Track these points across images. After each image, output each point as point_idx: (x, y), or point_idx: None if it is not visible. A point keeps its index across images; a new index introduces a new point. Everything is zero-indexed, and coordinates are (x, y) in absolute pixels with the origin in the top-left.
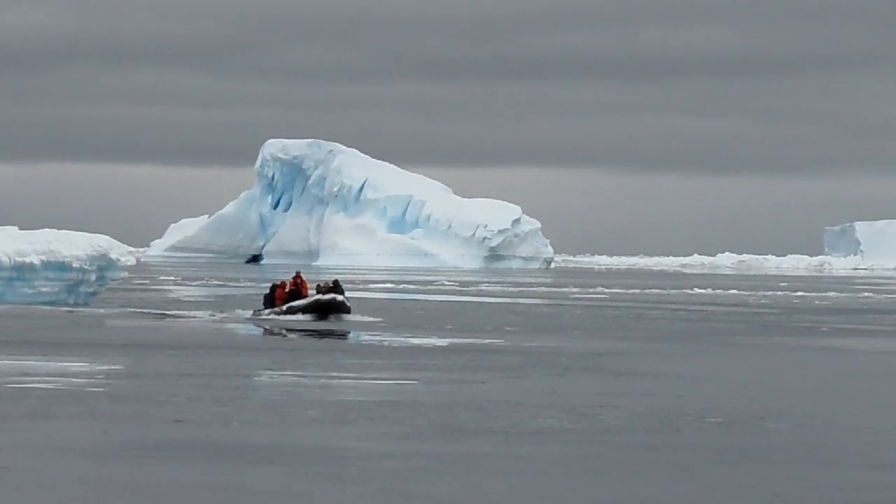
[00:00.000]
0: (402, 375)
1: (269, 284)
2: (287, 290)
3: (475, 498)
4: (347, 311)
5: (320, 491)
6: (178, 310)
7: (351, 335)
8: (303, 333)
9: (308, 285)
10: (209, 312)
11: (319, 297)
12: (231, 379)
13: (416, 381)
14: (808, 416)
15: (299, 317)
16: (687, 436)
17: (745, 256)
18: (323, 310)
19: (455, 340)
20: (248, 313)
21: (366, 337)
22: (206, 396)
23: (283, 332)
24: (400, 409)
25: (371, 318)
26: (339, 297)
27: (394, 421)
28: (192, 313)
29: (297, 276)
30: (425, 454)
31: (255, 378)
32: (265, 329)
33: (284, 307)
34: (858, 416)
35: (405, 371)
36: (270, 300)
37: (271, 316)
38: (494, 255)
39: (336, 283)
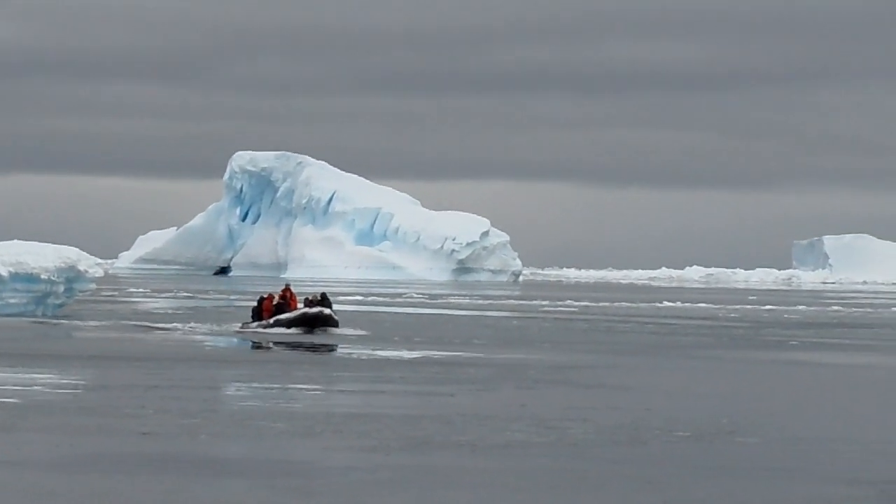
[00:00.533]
0: (370, 388)
1: (258, 297)
2: (275, 302)
3: None
4: (335, 324)
5: (287, 503)
6: (168, 322)
7: (323, 348)
8: (283, 346)
9: (298, 298)
10: (200, 325)
11: (306, 310)
12: (199, 391)
13: (384, 394)
14: (777, 430)
15: (286, 330)
16: (655, 449)
17: (713, 270)
18: (310, 323)
19: (424, 353)
20: (237, 326)
21: (336, 349)
22: (174, 409)
23: (262, 344)
24: (367, 422)
25: (359, 332)
26: (326, 311)
27: (361, 434)
28: (183, 325)
29: (287, 288)
30: (391, 467)
31: (224, 390)
32: (252, 342)
33: (272, 320)
34: (827, 429)
35: (374, 383)
36: (258, 313)
37: (258, 329)
38: (463, 267)
39: (324, 296)
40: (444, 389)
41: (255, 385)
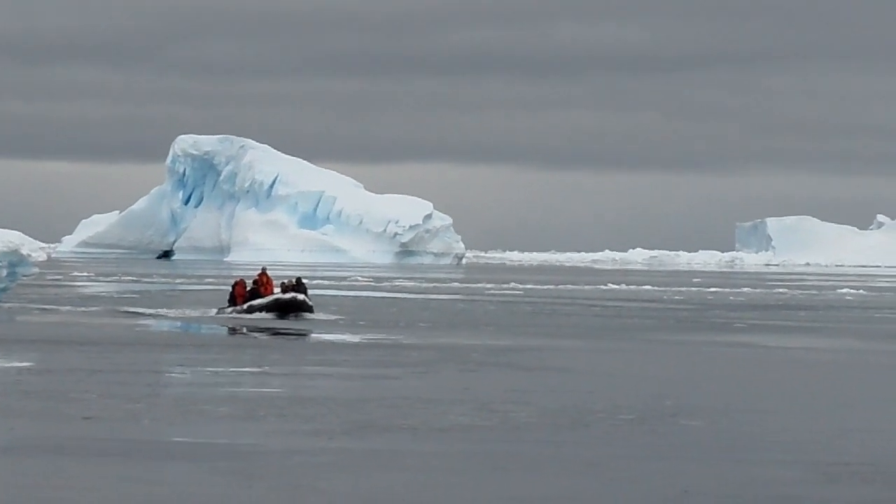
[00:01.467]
0: (314, 371)
1: (232, 281)
2: (248, 288)
3: (379, 494)
4: (309, 309)
5: (228, 487)
6: (147, 308)
7: (265, 332)
8: (233, 330)
9: (274, 283)
10: (179, 311)
11: (280, 296)
12: (143, 375)
13: (328, 377)
14: (720, 412)
15: (260, 315)
16: (597, 432)
17: (656, 252)
18: (283, 308)
19: (368, 336)
20: (213, 311)
21: (279, 333)
22: (118, 393)
23: (203, 328)
24: (311, 406)
25: (333, 317)
26: (300, 297)
27: (304, 417)
28: (165, 311)
29: (263, 273)
30: (333, 451)
31: (168, 374)
32: (228, 328)
33: (245, 306)
34: (770, 411)
35: (318, 367)
36: (232, 298)
37: (233, 315)
38: (406, 250)
39: (299, 281)
40: (388, 373)
41: (199, 369)
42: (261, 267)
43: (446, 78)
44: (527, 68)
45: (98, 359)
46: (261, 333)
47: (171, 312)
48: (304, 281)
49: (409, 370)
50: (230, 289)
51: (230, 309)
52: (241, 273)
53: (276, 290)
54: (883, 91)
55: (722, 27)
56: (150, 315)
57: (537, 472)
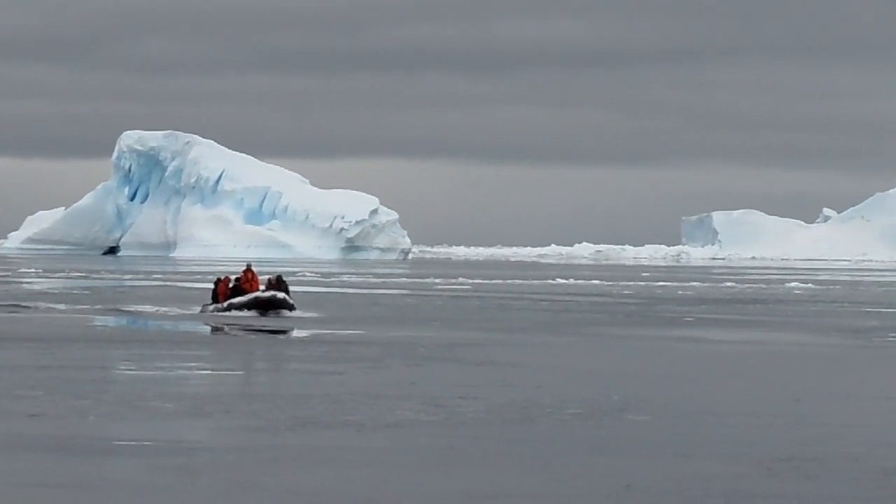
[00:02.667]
0: (261, 367)
1: (215, 278)
2: (231, 285)
3: (322, 490)
4: (290, 307)
5: (170, 483)
6: (135, 305)
7: (210, 327)
8: (186, 327)
9: (259, 280)
10: (162, 308)
11: (259, 293)
12: (90, 372)
13: (276, 373)
14: (667, 407)
15: (240, 313)
16: (544, 427)
17: (602, 246)
18: (263, 306)
19: (316, 331)
20: (197, 309)
21: (227, 329)
22: (64, 390)
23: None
24: (256, 402)
25: (314, 314)
26: (280, 295)
27: (249, 413)
28: (154, 309)
29: (248, 269)
30: (277, 447)
31: (115, 371)
32: (199, 325)
33: (225, 304)
34: (718, 406)
35: (265, 362)
36: (214, 295)
37: (214, 312)
38: (352, 245)
39: (279, 278)
40: (335, 368)
41: (146, 365)
42: (245, 263)
43: (390, 73)
44: (470, 63)
45: (44, 355)
46: (225, 331)
47: (156, 309)
48: (284, 279)
49: (355, 365)
50: (213, 286)
51: (212, 307)
52: (187, 269)
53: (262, 287)
54: (827, 84)
55: (665, 22)
56: (131, 312)
57: (483, 468)
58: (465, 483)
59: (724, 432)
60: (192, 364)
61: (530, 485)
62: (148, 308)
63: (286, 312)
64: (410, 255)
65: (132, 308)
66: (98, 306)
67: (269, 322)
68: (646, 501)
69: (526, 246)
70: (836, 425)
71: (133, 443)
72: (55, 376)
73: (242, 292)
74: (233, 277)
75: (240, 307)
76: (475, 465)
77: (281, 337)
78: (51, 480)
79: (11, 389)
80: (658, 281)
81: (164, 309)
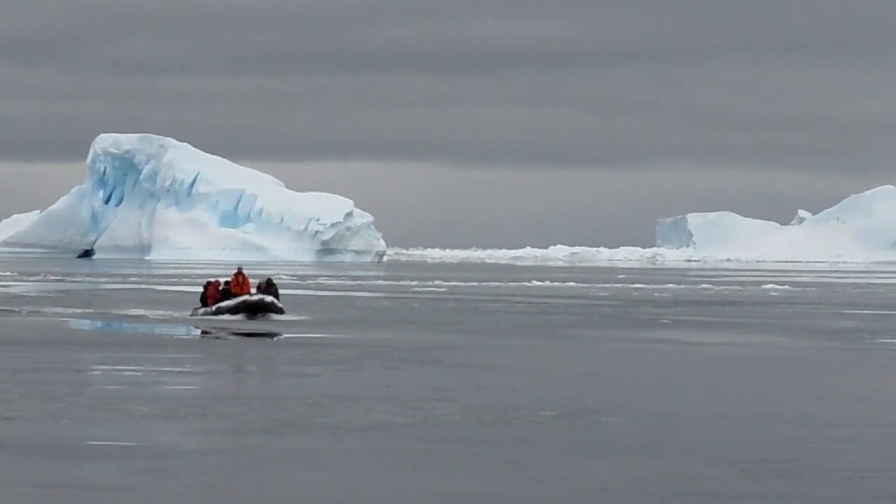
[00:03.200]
0: (236, 369)
1: (205, 281)
2: (221, 288)
3: (295, 493)
4: (279, 311)
5: (142, 486)
6: (124, 310)
7: (194, 331)
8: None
9: (251, 283)
10: (152, 311)
11: (247, 297)
12: (66, 374)
13: (251, 375)
14: (643, 409)
15: (230, 317)
16: (519, 429)
17: (577, 249)
18: (251, 310)
19: (292, 335)
20: (188, 313)
21: (211, 332)
22: (39, 392)
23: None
24: (232, 404)
25: (302, 317)
26: (268, 298)
27: (224, 416)
28: (143, 312)
29: (239, 272)
30: (251, 449)
31: (91, 373)
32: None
33: (213, 307)
34: (693, 407)
35: (240, 364)
36: (203, 299)
37: (204, 316)
38: (327, 248)
39: (269, 282)
40: (310, 370)
41: (121, 368)
42: (236, 267)
43: (365, 75)
44: (446, 64)
45: (19, 358)
46: (207, 334)
47: (143, 313)
48: (274, 282)
49: (331, 368)
50: (202, 289)
51: (202, 310)
52: (164, 272)
53: (253, 290)
54: (803, 85)
55: (641, 22)
56: (118, 316)
57: (457, 470)
58: (439, 485)
59: (699, 434)
60: (169, 368)
61: (504, 487)
62: (138, 311)
63: (274, 316)
64: (385, 258)
65: (119, 312)
66: (81, 310)
67: (254, 325)
68: (620, 503)
69: (501, 248)
70: (812, 426)
71: (105, 446)
72: (30, 379)
73: (231, 296)
74: (223, 280)
75: (228, 311)
76: (449, 467)
77: (261, 340)
78: (22, 481)
79: None
80: (634, 283)
81: (155, 312)
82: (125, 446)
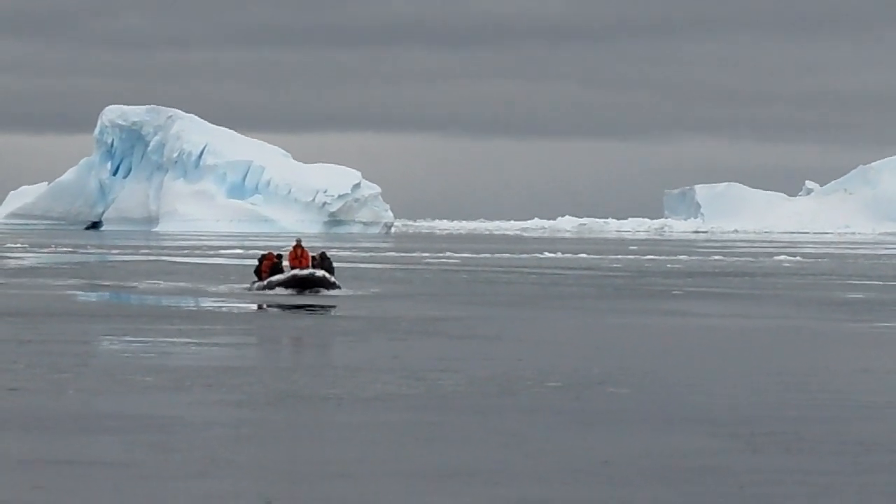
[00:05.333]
0: (243, 340)
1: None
2: (273, 262)
3: (297, 465)
4: (329, 286)
5: (145, 459)
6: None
7: (197, 300)
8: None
9: (309, 255)
10: (204, 286)
11: (297, 271)
12: (72, 345)
13: (258, 346)
14: (648, 380)
15: (279, 291)
16: (524, 400)
17: (585, 220)
18: (301, 284)
19: (299, 304)
20: (246, 286)
21: (210, 302)
22: (45, 364)
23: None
24: (238, 375)
25: (360, 292)
26: (319, 272)
27: (230, 387)
28: (192, 285)
29: (298, 244)
30: (255, 421)
31: (97, 345)
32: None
33: (265, 281)
34: (698, 379)
35: (247, 336)
36: (258, 272)
37: (257, 290)
38: (334, 220)
39: (323, 255)
40: (318, 341)
41: (128, 339)
42: (295, 239)
43: (372, 47)
44: (451, 38)
45: (26, 329)
46: (183, 305)
47: (196, 287)
48: (328, 255)
49: (338, 339)
50: (257, 262)
51: (256, 284)
52: (174, 244)
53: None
54: (811, 59)
55: None
56: (171, 290)
57: (459, 442)
58: (441, 457)
59: (705, 406)
60: (173, 338)
61: (508, 459)
62: (190, 285)
63: (325, 291)
64: (393, 230)
65: (170, 284)
66: (97, 282)
67: (298, 299)
68: (623, 476)
69: (509, 220)
70: (818, 400)
71: (109, 417)
72: (36, 350)
73: (280, 270)
74: (278, 254)
75: (279, 284)
76: (450, 439)
77: (285, 313)
78: (23, 455)
79: None
80: (646, 254)
81: (210, 287)
82: (128, 418)
